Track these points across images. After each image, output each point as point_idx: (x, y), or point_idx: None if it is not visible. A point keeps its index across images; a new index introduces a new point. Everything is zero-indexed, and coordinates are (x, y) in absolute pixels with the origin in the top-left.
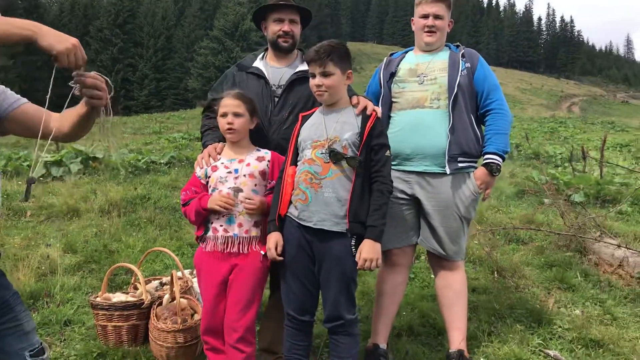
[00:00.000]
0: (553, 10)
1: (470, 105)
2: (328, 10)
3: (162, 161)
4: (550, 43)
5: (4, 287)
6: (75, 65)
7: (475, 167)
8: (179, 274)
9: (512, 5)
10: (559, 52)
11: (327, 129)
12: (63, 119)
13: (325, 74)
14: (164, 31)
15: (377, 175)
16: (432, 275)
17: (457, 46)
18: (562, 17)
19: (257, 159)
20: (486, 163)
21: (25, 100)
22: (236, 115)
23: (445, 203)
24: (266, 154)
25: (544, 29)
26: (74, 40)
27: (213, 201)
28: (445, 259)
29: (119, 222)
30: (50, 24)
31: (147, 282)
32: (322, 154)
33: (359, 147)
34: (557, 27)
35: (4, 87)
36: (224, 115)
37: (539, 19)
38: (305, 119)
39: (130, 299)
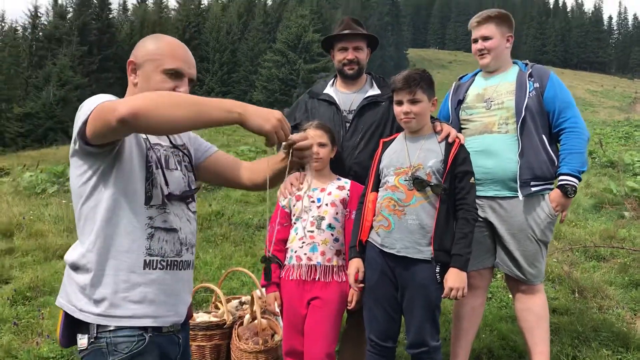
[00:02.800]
0: (625, 8)
1: (541, 126)
2: (389, 18)
3: (212, 184)
4: (622, 42)
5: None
6: (283, 139)
7: (551, 189)
8: (258, 293)
9: (580, 5)
10: (632, 51)
11: (410, 156)
12: (255, 169)
13: (413, 101)
14: (229, 45)
15: (461, 203)
16: (510, 295)
17: (526, 64)
18: (634, 15)
19: (338, 188)
20: (561, 185)
21: (215, 148)
22: (321, 145)
23: (519, 226)
24: (346, 183)
25: (615, 28)
26: (278, 115)
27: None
28: (524, 282)
29: None
30: (122, 42)
31: (227, 301)
32: (405, 180)
33: (443, 174)
34: (630, 26)
35: (195, 134)
36: None
37: (610, 18)
38: (386, 145)
39: (212, 319)
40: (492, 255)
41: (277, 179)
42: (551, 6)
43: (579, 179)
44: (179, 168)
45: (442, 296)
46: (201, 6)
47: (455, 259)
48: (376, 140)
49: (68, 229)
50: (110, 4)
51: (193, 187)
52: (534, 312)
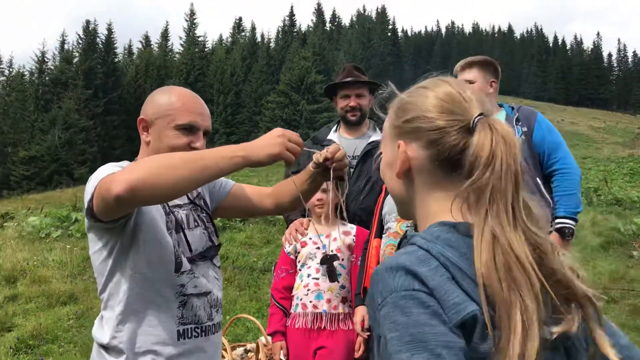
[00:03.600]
0: (624, 45)
1: (533, 168)
2: (390, 58)
3: (237, 218)
4: (622, 79)
5: None
6: (299, 150)
7: (550, 232)
8: (264, 340)
9: (580, 43)
10: (633, 87)
11: None
12: (279, 193)
13: None
14: (233, 87)
15: None
16: None
17: (512, 108)
18: (634, 51)
19: (343, 233)
20: (558, 228)
21: (232, 182)
22: (324, 190)
23: None
24: (352, 228)
25: (615, 65)
26: (278, 132)
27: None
28: None
29: None
30: (127, 85)
31: (233, 349)
32: (407, 227)
33: None
34: (630, 63)
35: None
36: None
37: (609, 55)
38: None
39: None
40: None
41: (306, 197)
42: (551, 44)
43: (576, 221)
44: (199, 224)
45: None
46: (205, 49)
47: None
48: (381, 185)
49: (72, 274)
50: (115, 48)
51: (216, 243)
52: None
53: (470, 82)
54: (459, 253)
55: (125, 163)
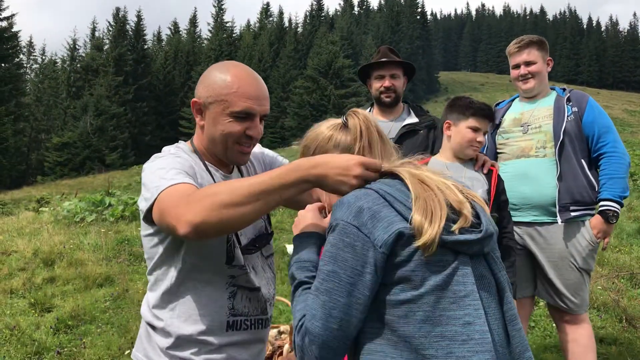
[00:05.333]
0: None
1: (580, 150)
2: (419, 42)
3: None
4: None
5: None
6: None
7: (592, 215)
8: None
9: (615, 24)
10: None
11: None
12: None
13: (485, 132)
14: (261, 73)
15: (505, 232)
16: (554, 324)
17: (564, 90)
18: None
19: None
20: (602, 210)
21: (282, 160)
22: None
23: (559, 254)
24: None
25: None
26: (357, 172)
27: None
28: (568, 312)
29: None
30: (157, 72)
31: None
32: None
33: (488, 204)
34: None
35: (261, 148)
36: None
37: None
38: None
39: None
40: (532, 284)
41: None
42: (584, 26)
43: (621, 205)
44: None
45: None
46: (233, 35)
47: None
48: None
49: (107, 257)
50: (145, 35)
51: (270, 230)
52: (580, 344)
53: (531, 62)
54: (393, 189)
55: (182, 145)
